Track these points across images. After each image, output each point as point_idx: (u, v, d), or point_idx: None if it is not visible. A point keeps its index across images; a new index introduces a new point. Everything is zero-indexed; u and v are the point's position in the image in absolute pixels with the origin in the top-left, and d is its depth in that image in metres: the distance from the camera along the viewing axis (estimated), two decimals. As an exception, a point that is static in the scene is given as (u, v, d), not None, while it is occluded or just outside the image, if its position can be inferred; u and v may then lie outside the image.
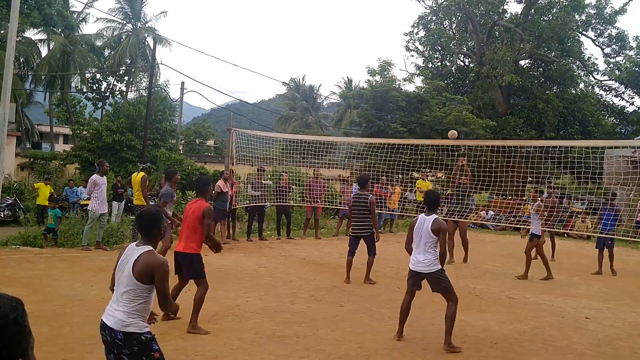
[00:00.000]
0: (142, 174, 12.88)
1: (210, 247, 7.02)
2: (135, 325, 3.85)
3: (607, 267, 12.88)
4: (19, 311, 1.44)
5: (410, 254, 6.91)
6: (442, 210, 13.66)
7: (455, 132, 14.46)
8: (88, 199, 13.73)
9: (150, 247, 4.01)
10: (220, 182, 14.76)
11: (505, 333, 7.40)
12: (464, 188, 13.59)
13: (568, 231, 20.62)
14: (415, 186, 19.88)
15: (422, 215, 6.83)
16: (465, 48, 35.71)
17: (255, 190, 15.32)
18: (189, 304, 6.79)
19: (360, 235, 10.35)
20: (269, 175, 16.93)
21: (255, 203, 15.24)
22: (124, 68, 44.21)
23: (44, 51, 41.34)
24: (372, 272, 10.49)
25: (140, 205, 12.86)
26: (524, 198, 22.61)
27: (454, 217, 13.21)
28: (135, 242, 4.12)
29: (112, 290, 4.10)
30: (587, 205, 21.97)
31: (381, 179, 18.04)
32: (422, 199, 18.24)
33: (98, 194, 12.32)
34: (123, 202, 18.51)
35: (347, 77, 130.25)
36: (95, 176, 12.56)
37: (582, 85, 35.86)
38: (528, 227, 13.34)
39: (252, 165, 16.63)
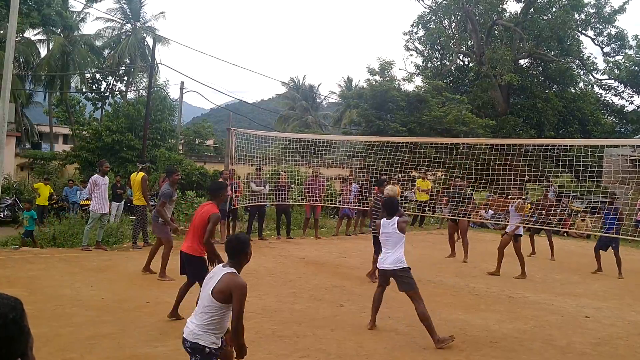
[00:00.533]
0: (142, 174, 12.86)
1: (207, 252, 6.98)
2: (204, 340, 4.12)
3: (610, 270, 12.79)
4: (17, 311, 1.45)
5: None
6: (442, 210, 13.77)
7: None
8: (87, 199, 13.70)
9: (233, 270, 4.21)
10: (219, 182, 14.78)
11: (505, 332, 7.41)
12: (460, 189, 13.88)
13: (567, 230, 20.61)
14: (415, 185, 19.88)
15: (384, 220, 7.19)
16: (464, 47, 35.70)
17: (258, 186, 15.32)
18: (190, 304, 6.78)
19: None
20: (267, 175, 16.91)
21: (256, 202, 15.24)
22: (123, 68, 44.20)
23: (43, 51, 41.38)
24: (369, 272, 10.50)
25: (141, 205, 12.86)
26: (523, 197, 22.63)
27: (454, 217, 13.41)
28: (222, 264, 4.35)
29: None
30: (587, 204, 21.97)
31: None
32: (421, 199, 18.39)
33: (99, 194, 12.29)
34: (122, 202, 18.51)
35: (347, 76, 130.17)
36: (95, 176, 12.53)
37: (581, 85, 35.87)
38: (528, 225, 13.38)
39: (251, 165, 16.63)
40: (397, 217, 7.10)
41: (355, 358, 6.11)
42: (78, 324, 6.73)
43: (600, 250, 12.94)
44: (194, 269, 6.94)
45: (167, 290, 8.83)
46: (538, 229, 14.65)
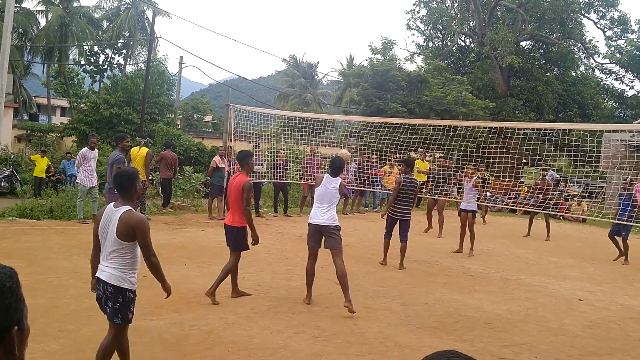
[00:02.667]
0: (145, 149, 13.05)
1: (246, 221, 7.15)
2: (127, 282, 4.27)
3: (611, 254, 12.82)
4: (14, 279, 1.47)
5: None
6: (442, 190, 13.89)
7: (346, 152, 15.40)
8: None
9: (128, 207, 4.32)
10: (216, 158, 14.80)
11: (498, 313, 7.47)
12: (444, 171, 14.23)
13: (564, 214, 20.69)
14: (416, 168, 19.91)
15: (327, 175, 7.47)
16: (466, 28, 35.45)
17: (256, 165, 15.32)
18: (202, 277, 6.82)
19: (402, 219, 10.13)
20: (265, 153, 16.90)
21: (253, 180, 15.25)
22: (122, 41, 43.86)
23: (42, 22, 41.01)
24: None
25: (143, 180, 12.92)
26: (521, 180, 22.69)
27: (436, 196, 13.87)
28: (112, 204, 4.38)
29: (96, 250, 4.43)
30: (584, 188, 22.03)
31: (371, 157, 18.09)
32: (421, 178, 18.41)
33: (86, 167, 12.36)
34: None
35: (350, 55, 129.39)
36: (85, 149, 12.63)
37: (582, 68, 35.71)
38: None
39: (250, 142, 16.61)
40: (341, 180, 7.40)
41: (349, 335, 6.16)
42: (75, 296, 6.77)
43: (615, 236, 12.61)
44: (237, 239, 7.16)
45: (164, 264, 8.85)
46: (538, 213, 14.74)
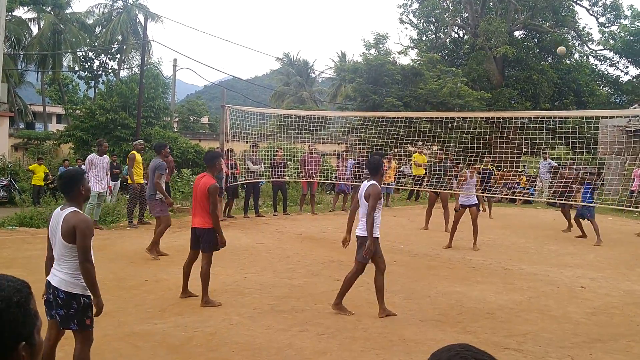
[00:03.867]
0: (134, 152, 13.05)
1: (212, 223, 7.00)
2: (80, 287, 4.13)
3: (605, 241, 12.95)
4: (23, 294, 1.43)
5: (352, 219, 7.09)
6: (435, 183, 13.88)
7: (564, 48, 15.20)
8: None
9: (74, 208, 4.20)
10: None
11: (501, 303, 7.47)
12: (444, 163, 14.14)
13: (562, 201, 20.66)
14: (411, 160, 19.89)
15: (365, 182, 6.90)
16: (459, 20, 35.41)
17: (255, 165, 15.35)
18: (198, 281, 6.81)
19: None
20: (262, 152, 16.89)
21: (251, 179, 15.25)
22: (115, 46, 43.77)
23: (35, 30, 40.93)
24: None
25: (138, 183, 12.95)
26: (520, 170, 22.70)
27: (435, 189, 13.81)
28: (60, 206, 4.31)
29: (49, 252, 4.37)
30: (582, 175, 22.00)
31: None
32: (418, 173, 18.39)
33: (95, 172, 12.36)
34: (119, 182, 18.49)
35: (341, 51, 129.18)
36: (92, 155, 12.68)
37: (576, 56, 35.69)
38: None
39: (247, 142, 16.60)
40: (371, 182, 6.77)
41: (353, 331, 6.16)
42: (77, 302, 6.76)
43: (580, 220, 13.51)
44: (210, 240, 6.97)
45: (165, 267, 8.88)
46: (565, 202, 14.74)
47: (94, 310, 4.27)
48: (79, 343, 4.22)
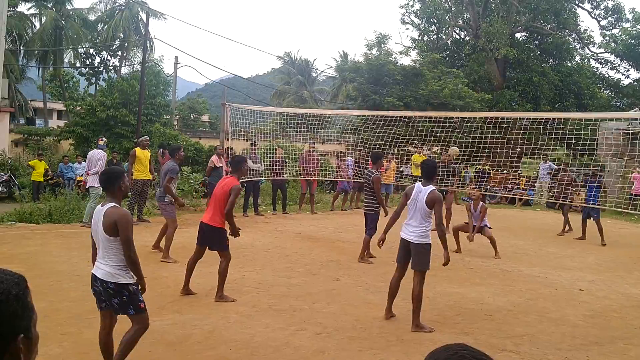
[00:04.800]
0: (137, 149, 13.08)
1: (229, 223, 7.17)
2: (124, 277, 4.41)
3: (595, 239, 13.06)
4: (21, 287, 1.45)
5: (394, 220, 6.79)
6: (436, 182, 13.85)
7: (457, 149, 15.11)
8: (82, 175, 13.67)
9: (113, 203, 4.45)
10: (213, 158, 14.78)
11: (499, 305, 7.48)
12: (447, 165, 14.12)
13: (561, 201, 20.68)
14: (410, 160, 19.89)
15: (418, 184, 6.58)
16: (460, 21, 35.44)
17: (255, 163, 15.35)
18: (201, 277, 6.82)
19: (364, 212, 10.18)
20: (262, 151, 16.89)
21: (251, 178, 15.26)
22: (117, 43, 43.77)
23: (36, 26, 40.91)
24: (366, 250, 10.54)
25: (141, 180, 12.99)
26: (519, 171, 22.71)
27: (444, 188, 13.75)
28: (100, 203, 4.53)
29: (93, 249, 4.64)
30: (582, 178, 22.04)
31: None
32: (418, 173, 18.36)
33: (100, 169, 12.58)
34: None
35: (343, 51, 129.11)
36: (100, 151, 12.83)
37: (577, 58, 35.76)
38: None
39: (247, 140, 16.60)
40: (431, 187, 6.48)
41: (351, 331, 6.17)
42: (76, 299, 6.77)
43: (587, 220, 13.62)
44: (217, 239, 7.11)
45: (164, 265, 8.90)
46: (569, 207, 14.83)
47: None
48: (135, 324, 4.50)
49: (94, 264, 4.57)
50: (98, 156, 12.73)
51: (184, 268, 7.42)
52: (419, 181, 6.70)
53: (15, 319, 1.40)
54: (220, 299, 7.00)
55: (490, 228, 11.55)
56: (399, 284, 6.71)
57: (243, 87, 61.93)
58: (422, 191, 6.41)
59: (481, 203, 11.75)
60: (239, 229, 7.36)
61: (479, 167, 14.90)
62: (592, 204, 13.13)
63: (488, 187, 21.57)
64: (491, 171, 18.86)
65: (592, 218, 13.45)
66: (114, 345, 4.63)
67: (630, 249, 12.76)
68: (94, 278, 4.44)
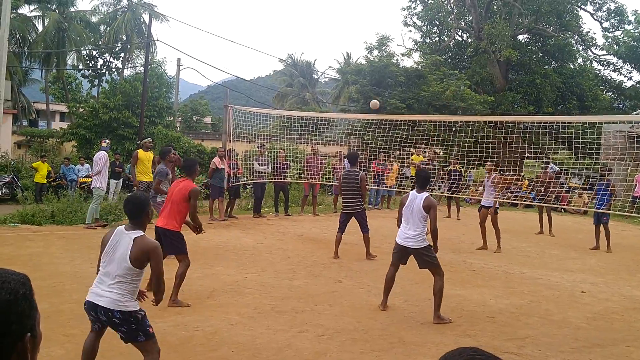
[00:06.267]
0: (139, 150, 13.11)
1: (192, 228, 7.20)
2: (131, 305, 4.13)
3: (603, 244, 12.89)
4: (27, 287, 1.47)
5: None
6: (440, 187, 13.87)
7: (377, 102, 15.25)
8: (87, 177, 13.69)
9: (142, 232, 4.23)
10: (215, 160, 14.79)
11: (501, 307, 7.47)
12: (432, 165, 14.18)
13: (565, 206, 20.67)
14: (410, 161, 19.88)
15: (412, 192, 6.99)
16: (463, 23, 35.42)
17: (261, 165, 15.36)
18: (203, 278, 6.82)
19: (351, 213, 10.35)
20: (267, 153, 16.90)
21: (257, 179, 15.28)
22: (119, 45, 43.84)
23: (39, 28, 40.96)
24: (370, 248, 10.61)
25: (145, 181, 13.01)
26: (522, 174, 22.67)
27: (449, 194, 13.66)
28: (123, 226, 4.29)
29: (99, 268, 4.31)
30: (585, 180, 22.01)
31: (379, 155, 18.05)
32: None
33: (104, 171, 12.69)
34: (121, 180, 18.51)
35: (347, 52, 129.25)
36: (103, 153, 12.86)
37: (580, 60, 35.72)
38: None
39: (249, 142, 16.61)
40: (426, 194, 6.92)
41: (353, 333, 6.17)
42: (78, 300, 6.75)
43: (599, 226, 12.95)
44: (174, 243, 6.99)
45: (166, 267, 8.89)
46: (542, 206, 14.75)
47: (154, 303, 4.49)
48: (147, 354, 4.20)
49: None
50: (99, 156, 12.82)
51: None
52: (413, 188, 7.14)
53: (24, 318, 1.42)
54: (173, 303, 6.82)
55: (497, 212, 11.94)
56: (394, 277, 7.09)
57: (245, 89, 61.88)
58: (417, 198, 6.86)
59: (494, 174, 11.94)
60: (201, 223, 7.33)
61: (456, 167, 15.06)
62: (601, 209, 12.62)
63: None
64: (465, 172, 18.85)
65: (602, 222, 12.87)
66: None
67: (632, 252, 12.74)
68: (92, 307, 4.16)
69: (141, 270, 4.19)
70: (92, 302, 4.16)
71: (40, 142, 31.49)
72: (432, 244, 6.89)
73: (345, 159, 17.60)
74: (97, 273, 4.33)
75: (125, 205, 4.41)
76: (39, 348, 1.50)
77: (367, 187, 11.80)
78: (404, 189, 19.50)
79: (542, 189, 14.15)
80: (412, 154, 20.40)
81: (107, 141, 13.91)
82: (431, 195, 7.10)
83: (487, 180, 12.10)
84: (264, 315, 6.65)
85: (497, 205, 12.05)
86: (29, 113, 43.49)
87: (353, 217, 10.34)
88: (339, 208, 17.67)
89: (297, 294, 7.64)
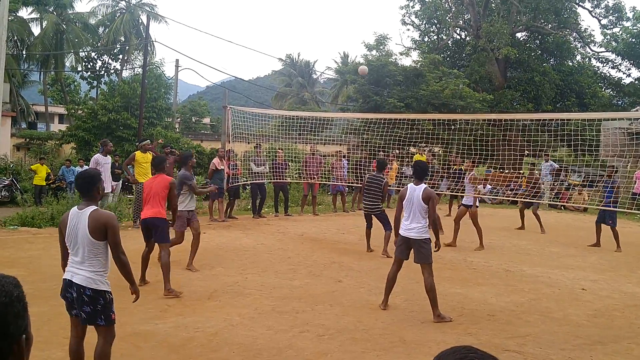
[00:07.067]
0: (137, 152, 13.07)
1: (175, 215, 7.79)
2: (103, 284, 4.28)
3: (608, 243, 12.77)
4: (19, 289, 1.49)
5: (398, 222, 7.12)
6: (438, 185, 13.90)
7: (365, 67, 15.30)
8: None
9: (95, 206, 4.33)
10: (215, 160, 14.77)
11: (502, 305, 7.47)
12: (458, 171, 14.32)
13: (565, 203, 20.68)
14: (412, 161, 19.87)
15: (411, 185, 7.04)
16: (461, 21, 35.40)
17: (258, 166, 15.34)
18: (204, 279, 6.82)
19: (370, 213, 10.92)
20: (265, 153, 16.90)
21: (255, 180, 15.26)
22: (118, 46, 43.82)
23: (36, 30, 40.99)
24: (371, 246, 10.70)
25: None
26: (522, 172, 22.68)
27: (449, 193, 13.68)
28: (76, 207, 4.39)
29: (65, 251, 4.42)
30: (584, 177, 22.01)
31: (378, 155, 18.05)
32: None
33: (102, 173, 12.45)
34: (120, 182, 18.50)
35: (344, 52, 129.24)
36: (97, 155, 12.72)
37: (578, 57, 35.68)
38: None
39: (248, 143, 16.61)
40: (424, 186, 6.97)
41: (354, 332, 6.17)
42: (78, 302, 6.76)
43: (602, 225, 12.85)
44: (160, 229, 7.46)
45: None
46: (528, 204, 14.79)
47: (133, 297, 4.60)
48: (102, 338, 4.32)
49: (64, 270, 4.40)
50: (94, 159, 12.71)
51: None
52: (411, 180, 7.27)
53: (19, 319, 1.44)
54: (169, 292, 7.15)
55: (477, 207, 12.07)
56: (395, 276, 7.11)
57: (244, 89, 61.88)
58: (416, 190, 6.91)
59: (472, 172, 12.27)
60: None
61: (454, 167, 15.10)
62: (607, 207, 12.49)
63: (487, 186, 21.60)
64: (491, 170, 18.85)
65: (606, 223, 12.71)
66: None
67: (632, 248, 12.73)
68: (69, 284, 4.26)
69: (104, 242, 4.26)
70: (68, 279, 4.28)
71: (39, 144, 31.51)
72: (434, 239, 6.96)
73: (345, 160, 17.71)
74: (62, 256, 4.48)
75: (75, 182, 4.56)
76: (30, 349, 1.51)
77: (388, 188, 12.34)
78: (403, 187, 19.54)
79: (528, 187, 14.28)
80: (414, 154, 20.42)
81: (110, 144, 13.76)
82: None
83: (466, 179, 12.28)
84: (265, 315, 6.64)
85: (477, 204, 12.09)
86: (27, 115, 43.50)
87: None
88: (338, 208, 17.74)
89: (298, 294, 7.64)
